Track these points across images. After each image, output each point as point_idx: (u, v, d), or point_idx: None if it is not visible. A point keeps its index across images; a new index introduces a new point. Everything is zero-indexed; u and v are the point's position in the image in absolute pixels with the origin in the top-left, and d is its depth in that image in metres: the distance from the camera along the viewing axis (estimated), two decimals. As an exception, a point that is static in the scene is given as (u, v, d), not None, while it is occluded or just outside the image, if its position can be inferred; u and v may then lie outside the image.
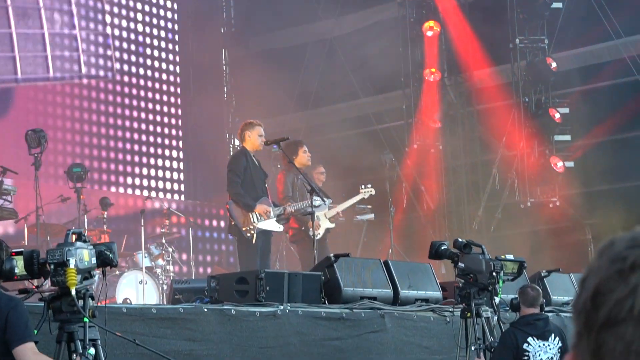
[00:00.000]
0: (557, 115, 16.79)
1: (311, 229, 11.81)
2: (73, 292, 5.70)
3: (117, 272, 13.34)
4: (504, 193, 17.20)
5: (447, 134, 17.87)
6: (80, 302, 5.82)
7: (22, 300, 5.85)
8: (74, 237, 5.94)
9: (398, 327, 9.39)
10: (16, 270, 5.73)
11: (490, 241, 15.73)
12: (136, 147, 17.83)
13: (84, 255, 5.83)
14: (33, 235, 12.59)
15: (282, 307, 8.58)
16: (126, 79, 17.87)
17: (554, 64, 16.93)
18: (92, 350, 5.77)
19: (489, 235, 16.79)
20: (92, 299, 5.97)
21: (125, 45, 17.96)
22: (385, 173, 16.49)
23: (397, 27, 17.94)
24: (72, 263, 5.71)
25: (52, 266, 5.75)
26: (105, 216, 13.74)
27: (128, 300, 12.46)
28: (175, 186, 18.58)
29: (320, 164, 14.56)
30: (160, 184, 18.18)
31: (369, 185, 13.91)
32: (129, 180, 17.57)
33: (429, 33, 17.75)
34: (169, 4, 19.00)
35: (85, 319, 5.79)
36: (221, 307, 8.33)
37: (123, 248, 15.59)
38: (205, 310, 8.09)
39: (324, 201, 11.88)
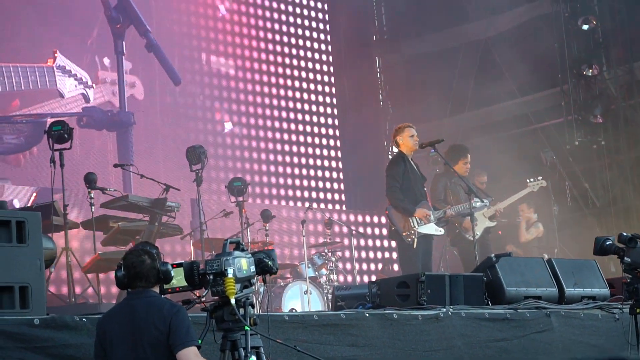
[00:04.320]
0: None
1: (470, 231, 11.69)
2: (233, 301, 5.74)
3: (282, 284, 13.48)
4: (672, 186, 16.69)
5: (610, 128, 17.42)
6: (241, 311, 5.88)
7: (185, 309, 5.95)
8: (231, 247, 6.01)
9: (565, 326, 9.20)
10: (174, 282, 5.84)
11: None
12: (295, 160, 18.01)
13: (242, 264, 5.88)
14: (198, 250, 12.80)
15: (444, 310, 8.51)
16: (282, 92, 18.09)
17: None
18: (253, 358, 5.82)
19: (658, 230, 16.28)
20: (253, 307, 6.02)
21: (279, 59, 18.20)
22: (546, 172, 16.23)
23: (552, 23, 17.61)
24: (230, 272, 5.76)
25: (211, 276, 5.83)
26: (267, 228, 13.90)
27: (293, 311, 12.53)
28: (336, 196, 18.68)
29: (485, 174, 14.35)
30: (321, 195, 18.30)
31: (539, 178, 13.57)
32: (290, 192, 17.76)
33: (585, 27, 17.35)
34: (320, 16, 19.16)
35: (247, 327, 5.83)
36: (383, 312, 8.31)
37: (287, 259, 15.78)
38: (367, 315, 8.07)
39: (482, 201, 11.76)
